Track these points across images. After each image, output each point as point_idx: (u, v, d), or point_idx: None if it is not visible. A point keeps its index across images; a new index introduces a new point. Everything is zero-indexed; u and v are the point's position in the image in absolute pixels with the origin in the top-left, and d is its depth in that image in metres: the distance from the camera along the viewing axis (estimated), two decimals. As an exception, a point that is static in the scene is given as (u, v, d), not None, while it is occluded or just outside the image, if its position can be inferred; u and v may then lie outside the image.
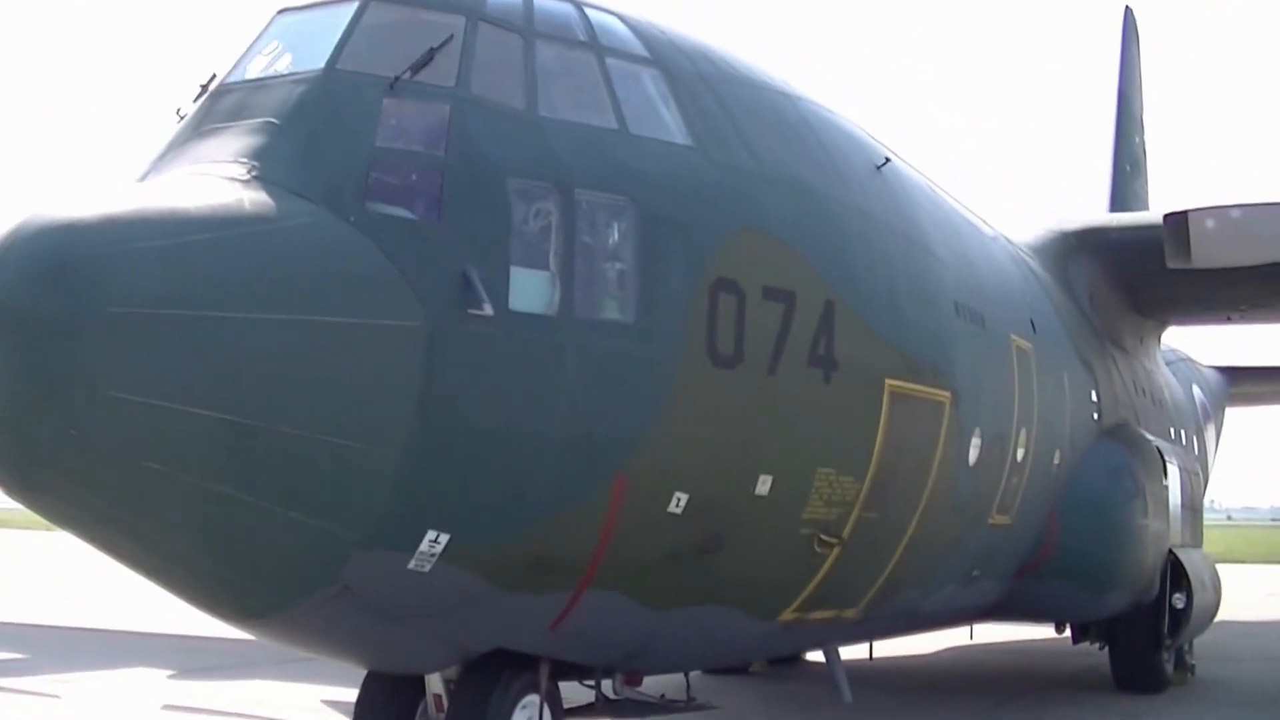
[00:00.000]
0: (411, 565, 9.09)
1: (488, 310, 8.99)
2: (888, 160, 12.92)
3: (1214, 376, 30.79)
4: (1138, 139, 33.61)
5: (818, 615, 12.39)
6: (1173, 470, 19.91)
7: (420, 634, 9.81)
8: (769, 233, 10.92)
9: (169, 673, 20.29)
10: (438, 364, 8.88)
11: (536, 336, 9.37)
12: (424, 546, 9.05)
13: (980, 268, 14.95)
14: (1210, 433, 28.92)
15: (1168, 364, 25.97)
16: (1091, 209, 29.52)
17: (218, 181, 8.84)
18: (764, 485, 10.76)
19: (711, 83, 11.27)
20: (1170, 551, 19.34)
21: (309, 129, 9.27)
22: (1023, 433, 15.06)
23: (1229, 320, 22.13)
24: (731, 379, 10.42)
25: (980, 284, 14.61)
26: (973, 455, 13.67)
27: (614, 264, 9.97)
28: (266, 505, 8.53)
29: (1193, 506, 21.81)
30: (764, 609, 11.80)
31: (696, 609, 11.02)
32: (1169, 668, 19.50)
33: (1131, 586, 17.93)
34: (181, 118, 10.03)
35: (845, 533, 11.76)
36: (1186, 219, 16.78)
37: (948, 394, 12.88)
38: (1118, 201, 32.33)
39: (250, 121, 9.37)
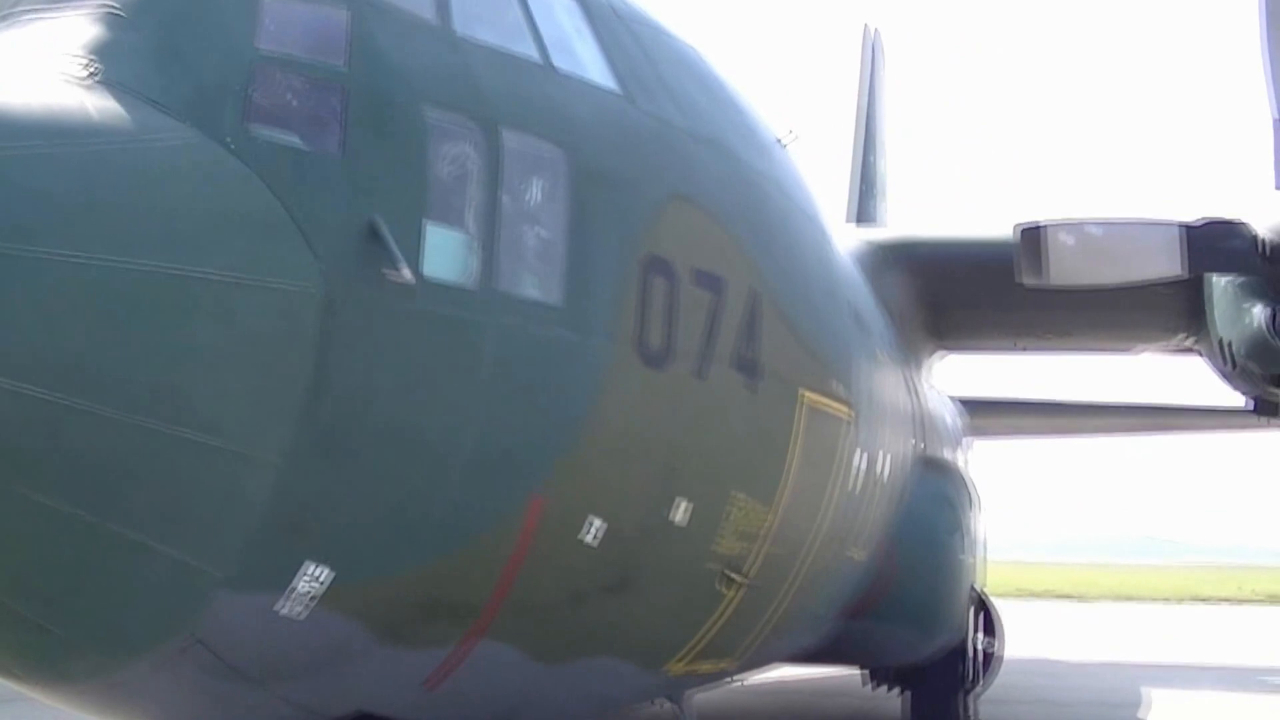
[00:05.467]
0: (282, 609, 6.92)
1: (405, 275, 6.92)
2: (791, 133, 11.17)
3: (958, 406, 30.09)
4: (879, 160, 32.82)
5: (703, 667, 10.58)
6: (978, 503, 18.81)
7: (272, 698, 7.55)
8: (698, 202, 9.12)
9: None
10: (335, 342, 6.77)
11: (453, 314, 7.33)
12: (301, 585, 6.91)
13: (853, 269, 13.34)
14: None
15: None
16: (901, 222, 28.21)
17: (47, 81, 6.50)
18: (680, 511, 8.95)
19: (625, 20, 9.38)
20: (972, 589, 18.15)
21: (165, 21, 6.95)
22: (883, 458, 13.51)
23: (1020, 349, 21.01)
24: (659, 382, 8.58)
25: (858, 287, 13.01)
26: (855, 482, 12.03)
27: (541, 227, 7.98)
28: (99, 525, 6.22)
29: (983, 541, 20.81)
30: (654, 659, 9.93)
31: (586, 661, 9.11)
32: (968, 714, 18.27)
33: (954, 627, 16.62)
34: None
35: (748, 570, 9.99)
36: (1043, 233, 15.45)
37: (848, 410, 11.22)
38: (860, 223, 31.42)
39: (82, 8, 6.96)
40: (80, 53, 6.70)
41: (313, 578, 6.91)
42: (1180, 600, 60.20)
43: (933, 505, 16.27)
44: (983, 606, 18.15)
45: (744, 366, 9.31)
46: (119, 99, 6.49)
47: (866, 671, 18.84)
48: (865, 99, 33.09)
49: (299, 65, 7.14)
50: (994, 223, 17.10)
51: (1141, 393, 31.95)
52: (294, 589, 6.88)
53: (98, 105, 6.40)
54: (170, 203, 6.35)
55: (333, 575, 6.96)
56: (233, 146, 6.63)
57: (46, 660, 6.76)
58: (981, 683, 18.16)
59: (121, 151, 6.29)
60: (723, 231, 9.27)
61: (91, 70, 6.60)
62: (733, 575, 9.79)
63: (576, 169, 8.09)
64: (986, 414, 32.08)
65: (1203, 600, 59.90)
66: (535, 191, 7.96)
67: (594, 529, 8.24)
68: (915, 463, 16.24)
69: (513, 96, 7.92)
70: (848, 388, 11.21)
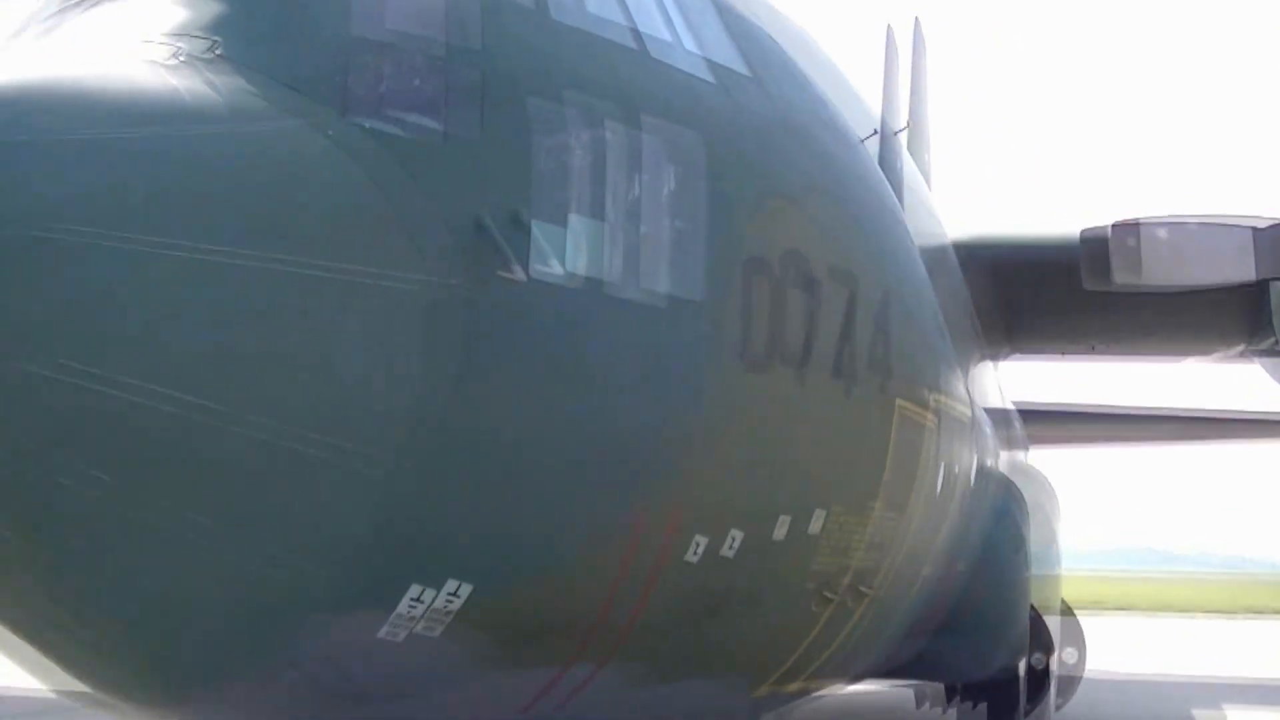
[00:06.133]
0: (384, 629, 6.52)
1: (514, 272, 6.52)
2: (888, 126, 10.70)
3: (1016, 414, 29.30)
4: (925, 157, 32.14)
5: (790, 687, 10.16)
6: (1058, 512, 18.26)
7: None
8: (799, 197, 8.70)
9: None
10: (441, 342, 6.38)
11: (563, 315, 6.89)
12: (405, 604, 6.51)
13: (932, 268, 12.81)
14: None
15: None
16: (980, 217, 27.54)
17: (140, 63, 6.07)
18: (783, 525, 8.49)
19: (725, 5, 8.90)
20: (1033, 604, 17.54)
21: (262, 1, 6.57)
22: (957, 467, 12.95)
23: (1080, 355, 20.35)
24: (764, 388, 8.13)
25: (939, 287, 12.48)
26: (935, 492, 11.52)
27: (648, 222, 7.49)
28: (194, 534, 5.82)
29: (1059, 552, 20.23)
30: (747, 680, 9.54)
31: (680, 683, 8.70)
32: None
33: (1017, 643, 16.05)
34: None
35: (841, 586, 9.57)
36: (1134, 232, 14.81)
37: (934, 417, 10.75)
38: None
39: None
40: (174, 34, 6.29)
41: (417, 596, 6.51)
42: (1196, 613, 59.39)
43: (997, 517, 15.74)
44: (1043, 619, 17.57)
45: (844, 370, 8.87)
46: (216, 83, 6.08)
47: (920, 687, 18.30)
48: (909, 94, 32.41)
49: (400, 49, 6.74)
50: (1062, 221, 16.51)
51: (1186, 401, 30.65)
52: (398, 608, 6.47)
53: (193, 89, 5.99)
54: (269, 194, 5.95)
55: (437, 594, 6.56)
56: (333, 134, 6.24)
57: (131, 677, 6.38)
58: (1055, 701, 17.59)
59: (220, 139, 5.89)
60: (822, 228, 8.85)
61: (186, 52, 6.18)
62: (827, 592, 9.37)
63: (684, 160, 7.65)
64: (1039, 422, 31.10)
65: (1225, 614, 59.02)
66: (642, 183, 7.50)
67: (703, 543, 7.78)
68: (982, 472, 15.70)
69: (618, 84, 7.48)
70: (934, 393, 10.75)
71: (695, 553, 7.72)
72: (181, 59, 6.09)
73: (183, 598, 5.99)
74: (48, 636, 6.16)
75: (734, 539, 7.98)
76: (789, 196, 8.45)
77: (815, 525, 8.82)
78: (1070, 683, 18.28)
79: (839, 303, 8.70)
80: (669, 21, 8.06)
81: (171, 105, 5.81)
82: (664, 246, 7.48)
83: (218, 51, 6.18)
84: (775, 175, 8.40)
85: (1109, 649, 35.94)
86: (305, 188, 6.06)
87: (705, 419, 7.63)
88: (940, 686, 17.38)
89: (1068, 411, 30.09)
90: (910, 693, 18.61)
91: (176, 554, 5.83)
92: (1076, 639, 18.50)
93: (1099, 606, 60.35)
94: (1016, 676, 16.64)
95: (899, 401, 9.73)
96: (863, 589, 9.95)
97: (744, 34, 8.64)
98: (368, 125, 6.37)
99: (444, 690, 7.10)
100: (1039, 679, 17.27)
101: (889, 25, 33.98)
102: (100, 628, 6.06)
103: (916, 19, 33.37)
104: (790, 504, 8.48)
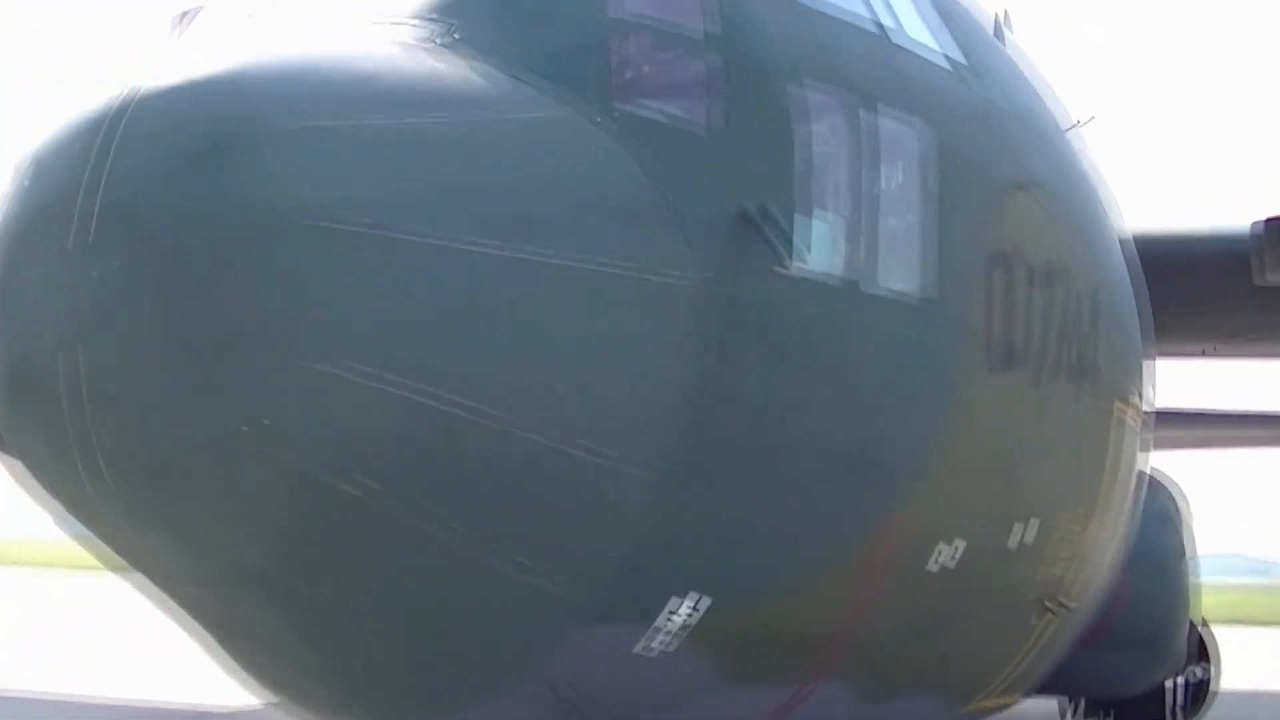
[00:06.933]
0: (642, 644, 6.29)
1: (787, 267, 6.26)
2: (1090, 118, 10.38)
3: None
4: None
5: (998, 701, 9.84)
6: (1190, 514, 17.77)
7: None
8: (1034, 190, 8.42)
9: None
10: (711, 341, 6.14)
11: (824, 312, 6.66)
12: (665, 616, 6.28)
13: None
14: None
15: None
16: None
17: (396, 45, 5.87)
18: (1019, 534, 8.20)
19: None
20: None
21: None
22: (1143, 469, 12.63)
23: (1203, 354, 19.79)
24: (1004, 389, 7.87)
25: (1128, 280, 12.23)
26: (1139, 495, 11.20)
27: (901, 215, 7.27)
28: (448, 547, 5.63)
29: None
30: (965, 694, 9.17)
31: (906, 699, 8.38)
32: None
33: (1177, 657, 15.58)
34: None
35: (1063, 595, 9.24)
36: None
37: (1138, 420, 10.47)
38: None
39: None
40: (428, 14, 6.06)
41: (678, 608, 6.29)
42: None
43: (1165, 523, 15.33)
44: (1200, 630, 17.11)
45: (1075, 371, 8.63)
46: (475, 68, 5.87)
47: (1062, 701, 17.81)
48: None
49: (659, 32, 6.50)
50: (1222, 215, 16.06)
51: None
52: (659, 621, 6.26)
53: (453, 75, 5.78)
54: (537, 184, 5.76)
55: (696, 605, 6.33)
56: (601, 122, 6.03)
57: (377, 701, 6.21)
58: (1195, 715, 17.08)
59: (484, 126, 5.69)
60: (1054, 222, 8.60)
61: (442, 34, 5.97)
62: (1061, 600, 9.10)
63: (933, 151, 7.39)
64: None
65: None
66: (895, 175, 7.27)
67: (943, 553, 7.53)
68: (1153, 475, 15.38)
69: (871, 71, 7.25)
70: (1136, 395, 10.46)
71: (935, 561, 7.49)
72: (433, 43, 5.89)
73: (444, 609, 5.84)
74: (284, 648, 6.05)
75: (971, 546, 7.74)
76: (1022, 189, 8.24)
77: (1046, 531, 8.58)
78: (1206, 698, 17.73)
79: (1069, 300, 8.48)
80: (890, 8, 7.82)
81: (436, 92, 5.61)
82: (915, 241, 7.27)
83: (456, 35, 5.96)
84: (1009, 167, 8.19)
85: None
86: (581, 179, 5.88)
87: (951, 421, 7.41)
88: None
89: (1188, 413, 29.21)
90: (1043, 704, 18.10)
91: (439, 564, 5.66)
92: (1213, 652, 17.95)
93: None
94: (1162, 690, 16.19)
95: (1115, 403, 9.50)
96: (1073, 597, 9.67)
97: (954, 18, 8.41)
98: (634, 114, 6.16)
99: (688, 704, 6.86)
100: (1190, 691, 16.82)
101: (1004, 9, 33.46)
102: (338, 652, 5.92)
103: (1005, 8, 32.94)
104: (1026, 509, 8.24)
